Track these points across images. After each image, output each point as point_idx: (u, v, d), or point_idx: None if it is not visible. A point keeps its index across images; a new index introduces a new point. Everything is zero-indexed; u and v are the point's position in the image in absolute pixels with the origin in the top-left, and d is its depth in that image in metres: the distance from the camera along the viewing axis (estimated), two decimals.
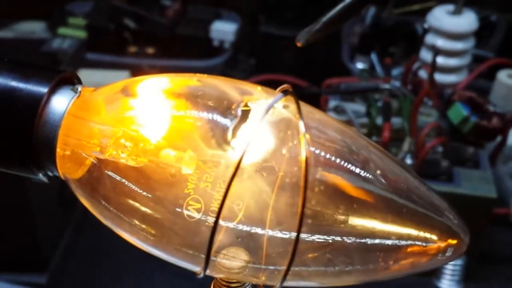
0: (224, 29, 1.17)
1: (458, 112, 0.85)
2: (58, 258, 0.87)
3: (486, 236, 0.88)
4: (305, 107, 0.28)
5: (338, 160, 0.27)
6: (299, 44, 0.28)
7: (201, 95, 0.28)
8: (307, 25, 1.19)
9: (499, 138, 0.88)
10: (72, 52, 0.91)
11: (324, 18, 0.26)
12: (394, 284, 0.86)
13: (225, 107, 0.27)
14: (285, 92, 0.27)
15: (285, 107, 0.27)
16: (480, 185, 0.80)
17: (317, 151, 0.27)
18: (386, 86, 0.89)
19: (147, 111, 0.28)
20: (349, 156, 0.27)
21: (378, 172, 0.27)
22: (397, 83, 0.93)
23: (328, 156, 0.27)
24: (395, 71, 1.06)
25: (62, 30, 1.17)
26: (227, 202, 0.26)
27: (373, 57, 1.10)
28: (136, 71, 1.10)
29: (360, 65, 1.11)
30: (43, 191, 0.82)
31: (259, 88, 0.28)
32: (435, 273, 0.75)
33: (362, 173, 0.27)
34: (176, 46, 1.18)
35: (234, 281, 0.30)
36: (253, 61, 1.20)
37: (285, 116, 0.27)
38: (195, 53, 1.16)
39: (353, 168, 0.27)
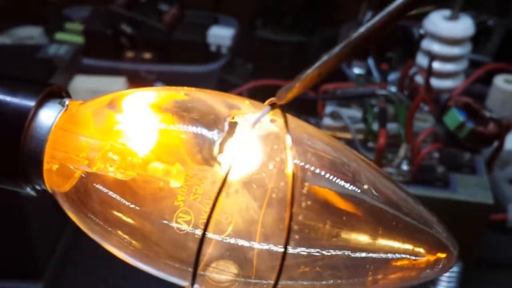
0: (221, 34, 1.18)
1: (454, 117, 0.85)
2: (54, 265, 0.86)
3: (483, 242, 0.88)
4: (293, 121, 0.27)
5: (326, 174, 0.27)
6: (278, 102, 0.27)
7: (188, 109, 0.28)
8: (303, 30, 1.19)
9: (495, 144, 0.88)
10: (69, 58, 0.91)
11: (302, 76, 0.26)
12: None
13: (212, 122, 0.27)
14: (273, 106, 0.27)
15: (272, 121, 0.27)
16: (477, 191, 0.80)
17: (305, 165, 0.27)
18: (382, 92, 0.89)
19: (134, 125, 0.28)
20: (338, 169, 0.27)
21: (366, 186, 0.27)
22: (393, 89, 0.93)
23: (316, 170, 0.27)
24: (392, 76, 1.06)
25: (59, 35, 1.18)
26: (215, 216, 0.26)
27: (370, 62, 1.10)
28: (133, 76, 1.11)
29: (357, 70, 1.11)
30: (38, 199, 0.82)
31: (247, 102, 0.28)
32: (432, 279, 0.75)
33: (351, 187, 0.27)
34: (173, 51, 1.18)
35: None
36: (250, 66, 1.20)
37: (272, 130, 0.27)
38: (193, 58, 1.16)
39: (342, 182, 0.27)
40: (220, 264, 0.28)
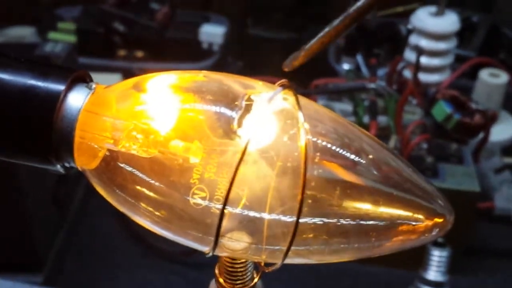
0: (212, 32, 1.20)
1: (442, 110, 0.88)
2: (53, 258, 0.88)
3: (471, 230, 0.91)
4: (303, 99, 0.30)
5: (333, 147, 0.30)
6: (286, 69, 0.31)
7: (207, 89, 0.30)
8: (293, 27, 1.21)
9: (481, 135, 0.91)
10: (65, 56, 0.92)
11: (306, 46, 0.30)
12: (383, 276, 0.89)
13: (230, 100, 0.30)
14: (283, 86, 0.30)
15: (284, 99, 0.30)
16: (464, 180, 0.83)
17: (314, 139, 0.29)
18: (372, 85, 0.92)
19: (157, 105, 0.30)
20: (343, 143, 0.30)
21: (371, 156, 0.30)
22: (382, 83, 0.96)
23: (324, 143, 0.29)
24: (380, 72, 1.09)
25: (52, 35, 1.19)
26: (233, 188, 0.28)
27: (359, 58, 1.13)
28: (127, 74, 1.12)
29: (346, 66, 1.14)
30: (37, 193, 0.84)
31: (260, 82, 0.31)
32: (422, 265, 0.78)
33: (355, 159, 0.30)
34: (165, 49, 1.20)
35: (238, 261, 0.33)
36: (241, 63, 1.22)
37: (285, 107, 0.29)
38: (184, 56, 1.18)
39: (347, 154, 0.30)
40: (234, 235, 0.30)
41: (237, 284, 0.34)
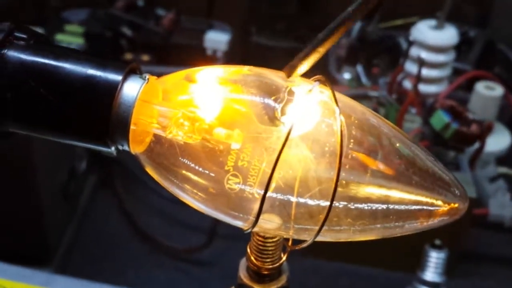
0: (217, 39, 1.23)
1: (440, 119, 0.91)
2: (62, 252, 0.91)
3: (466, 235, 0.95)
4: (336, 93, 0.33)
5: (364, 135, 0.33)
6: (287, 75, 0.34)
7: (252, 81, 0.34)
8: (296, 36, 1.24)
9: (477, 144, 0.95)
10: None
11: (301, 55, 0.33)
12: (381, 277, 0.92)
13: (273, 91, 0.33)
14: (319, 81, 0.33)
15: (321, 92, 0.33)
16: None
17: (348, 127, 0.33)
18: (375, 93, 0.96)
19: (205, 95, 0.33)
20: (372, 133, 0.33)
21: (398, 145, 0.33)
22: (383, 92, 1.00)
23: (356, 132, 0.33)
24: (380, 81, 1.12)
25: (59, 37, 1.22)
26: (268, 171, 0.31)
27: (359, 68, 1.17)
28: None
29: (346, 76, 1.18)
30: (49, 187, 0.87)
31: (298, 77, 0.34)
32: (420, 266, 0.81)
33: (383, 148, 0.33)
34: (170, 54, 1.22)
35: (270, 240, 0.36)
36: None
37: (322, 99, 0.33)
38: (189, 61, 1.20)
39: (376, 142, 0.33)
40: (265, 216, 0.33)
41: (266, 262, 0.37)
